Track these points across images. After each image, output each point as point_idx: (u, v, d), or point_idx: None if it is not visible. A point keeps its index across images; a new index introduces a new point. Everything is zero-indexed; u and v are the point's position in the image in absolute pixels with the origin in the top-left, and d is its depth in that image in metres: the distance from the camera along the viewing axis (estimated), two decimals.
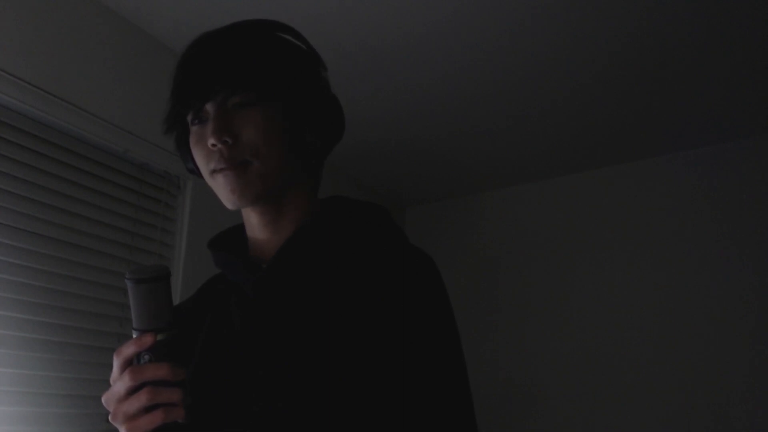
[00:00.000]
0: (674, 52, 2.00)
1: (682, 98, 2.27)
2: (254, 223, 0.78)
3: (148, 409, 0.62)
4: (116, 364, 0.64)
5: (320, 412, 0.64)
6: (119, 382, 0.63)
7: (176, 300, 0.70)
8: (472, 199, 3.18)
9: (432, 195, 3.21)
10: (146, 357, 0.63)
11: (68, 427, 1.51)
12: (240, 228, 0.84)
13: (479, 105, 2.33)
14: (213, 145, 0.69)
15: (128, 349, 0.64)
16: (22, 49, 1.53)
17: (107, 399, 0.64)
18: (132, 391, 0.62)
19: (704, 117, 2.41)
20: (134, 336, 0.65)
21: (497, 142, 2.62)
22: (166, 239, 1.88)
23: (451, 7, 1.80)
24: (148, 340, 0.63)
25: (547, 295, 2.82)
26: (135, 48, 1.85)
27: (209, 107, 0.71)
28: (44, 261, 1.53)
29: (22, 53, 1.53)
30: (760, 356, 2.32)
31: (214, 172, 0.71)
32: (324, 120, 0.76)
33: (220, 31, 0.75)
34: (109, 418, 0.64)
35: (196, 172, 0.78)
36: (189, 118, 0.74)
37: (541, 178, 2.98)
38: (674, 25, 1.87)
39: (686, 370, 2.43)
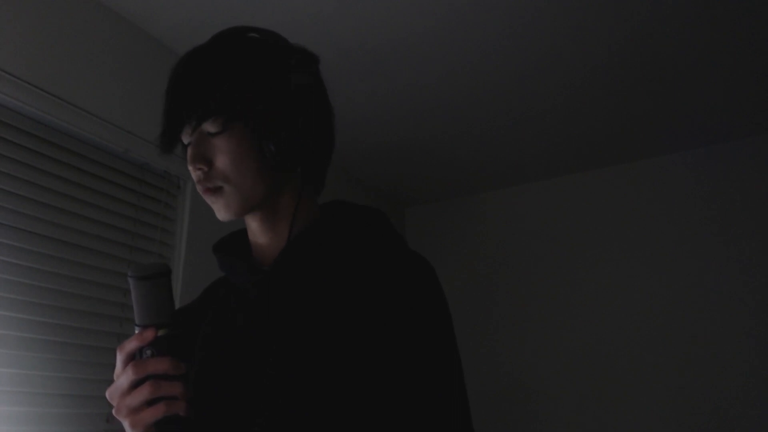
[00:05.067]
0: (674, 52, 2.00)
1: (682, 98, 2.28)
2: (254, 230, 0.80)
3: (150, 403, 0.63)
4: (119, 359, 0.66)
5: (326, 414, 0.65)
6: (122, 377, 0.64)
7: (177, 300, 0.70)
8: (472, 199, 3.18)
9: (432, 195, 3.21)
10: (148, 352, 0.65)
11: (68, 427, 1.51)
12: (244, 232, 0.86)
13: (479, 105, 2.33)
14: (193, 170, 0.74)
15: (130, 344, 0.65)
16: (22, 49, 1.53)
17: (111, 394, 0.66)
18: (135, 385, 0.64)
19: (704, 117, 2.41)
20: (136, 332, 0.66)
21: (497, 142, 2.62)
22: (166, 239, 1.87)
23: (451, 7, 1.80)
24: (150, 335, 0.65)
25: (547, 294, 2.82)
26: (135, 48, 1.85)
27: (189, 131, 0.74)
28: (44, 261, 1.53)
29: (22, 53, 1.53)
30: (759, 356, 2.32)
31: (203, 190, 0.75)
32: (298, 130, 0.73)
33: (196, 53, 0.75)
34: (113, 412, 0.66)
35: None
36: (184, 139, 0.76)
37: (541, 178, 2.98)
38: (674, 25, 1.87)
39: (685, 369, 2.44)
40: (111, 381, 0.75)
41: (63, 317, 1.55)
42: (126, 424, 0.65)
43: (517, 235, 2.99)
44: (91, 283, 1.63)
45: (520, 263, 2.94)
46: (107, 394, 0.66)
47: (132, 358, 0.65)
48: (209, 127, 0.72)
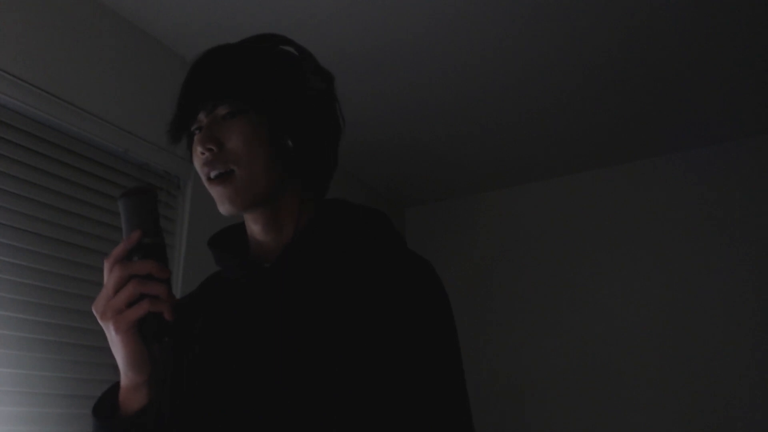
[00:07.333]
0: (674, 52, 2.01)
1: (682, 98, 2.28)
2: (254, 227, 0.80)
3: (135, 302, 0.64)
4: (107, 267, 0.67)
5: (322, 412, 0.64)
6: (108, 280, 0.65)
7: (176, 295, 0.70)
8: (472, 200, 3.18)
9: (432, 195, 3.21)
10: (135, 258, 0.66)
11: (68, 427, 1.51)
12: (241, 226, 0.85)
13: (479, 105, 2.33)
14: (201, 152, 0.73)
15: (117, 250, 0.66)
16: (22, 49, 1.53)
17: (97, 301, 0.66)
18: (120, 288, 0.65)
19: (704, 117, 2.41)
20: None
21: (497, 142, 2.62)
22: (165, 239, 1.87)
23: (451, 7, 1.80)
24: (135, 235, 0.66)
25: (546, 295, 2.82)
26: (135, 48, 1.85)
27: (202, 117, 0.74)
28: (44, 261, 1.53)
29: (22, 53, 1.53)
30: (760, 357, 2.32)
31: (208, 180, 0.74)
32: (311, 131, 0.76)
33: (220, 47, 0.78)
34: (98, 319, 0.66)
35: None
36: (193, 128, 0.77)
37: (540, 178, 2.98)
38: (674, 25, 1.87)
39: (685, 371, 2.43)
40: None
41: (63, 317, 1.55)
42: (110, 329, 0.66)
43: (516, 235, 2.99)
44: (91, 283, 1.63)
45: (519, 263, 2.94)
46: (93, 306, 0.67)
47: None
48: (226, 109, 0.73)
